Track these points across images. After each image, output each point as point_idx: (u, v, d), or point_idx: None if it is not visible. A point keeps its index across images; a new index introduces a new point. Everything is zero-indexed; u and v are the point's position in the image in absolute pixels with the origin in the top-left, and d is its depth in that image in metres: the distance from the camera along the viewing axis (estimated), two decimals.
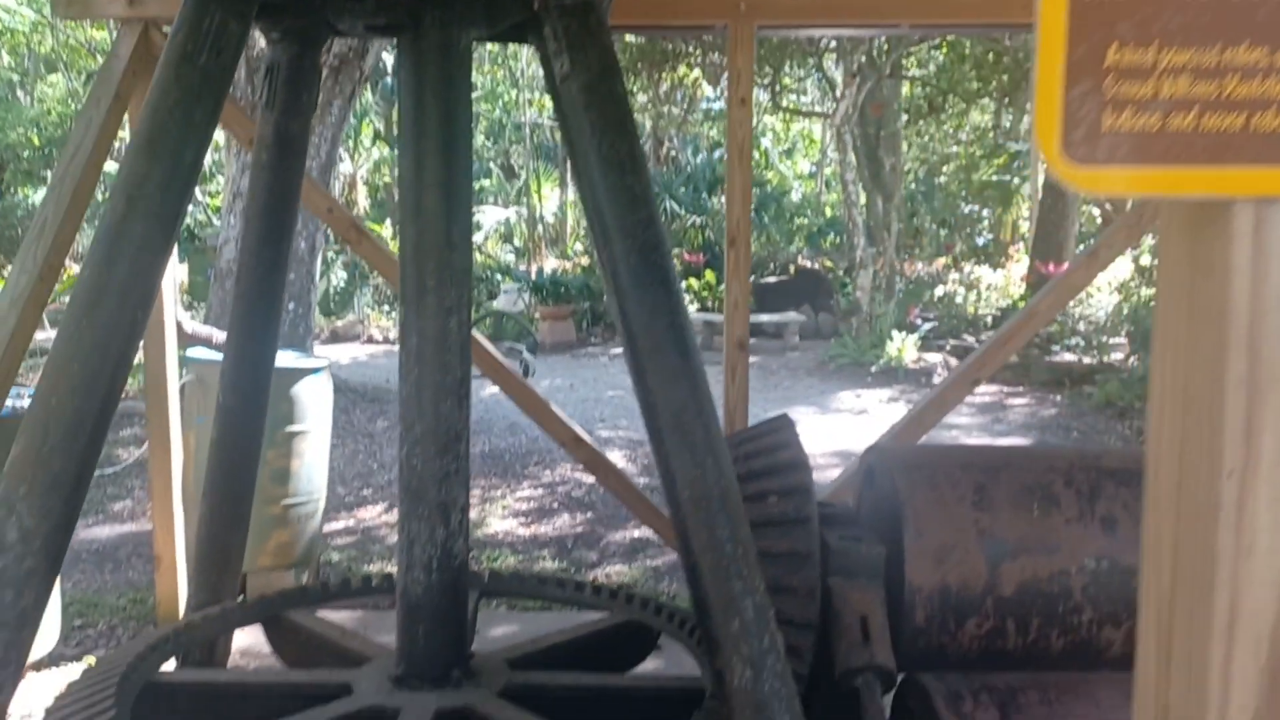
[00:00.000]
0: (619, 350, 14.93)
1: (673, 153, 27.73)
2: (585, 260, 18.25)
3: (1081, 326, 12.99)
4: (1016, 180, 20.32)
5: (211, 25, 2.16)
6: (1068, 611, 2.50)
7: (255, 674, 3.11)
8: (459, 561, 2.67)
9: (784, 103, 18.36)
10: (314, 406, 5.28)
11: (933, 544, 2.50)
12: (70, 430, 2.00)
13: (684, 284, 18.35)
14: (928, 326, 13.06)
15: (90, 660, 4.23)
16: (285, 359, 5.22)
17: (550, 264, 19.99)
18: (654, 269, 2.13)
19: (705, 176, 25.01)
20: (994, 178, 20.66)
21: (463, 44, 2.53)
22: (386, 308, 16.78)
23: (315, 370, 5.34)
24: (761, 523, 2.46)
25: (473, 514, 6.94)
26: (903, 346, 12.56)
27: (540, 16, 2.30)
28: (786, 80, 16.79)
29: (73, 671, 4.07)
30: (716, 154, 24.92)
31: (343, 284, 19.07)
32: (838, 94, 14.31)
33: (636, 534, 6.62)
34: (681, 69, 14.93)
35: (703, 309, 17.22)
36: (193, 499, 4.78)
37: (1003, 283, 16.24)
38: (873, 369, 12.53)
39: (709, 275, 18.76)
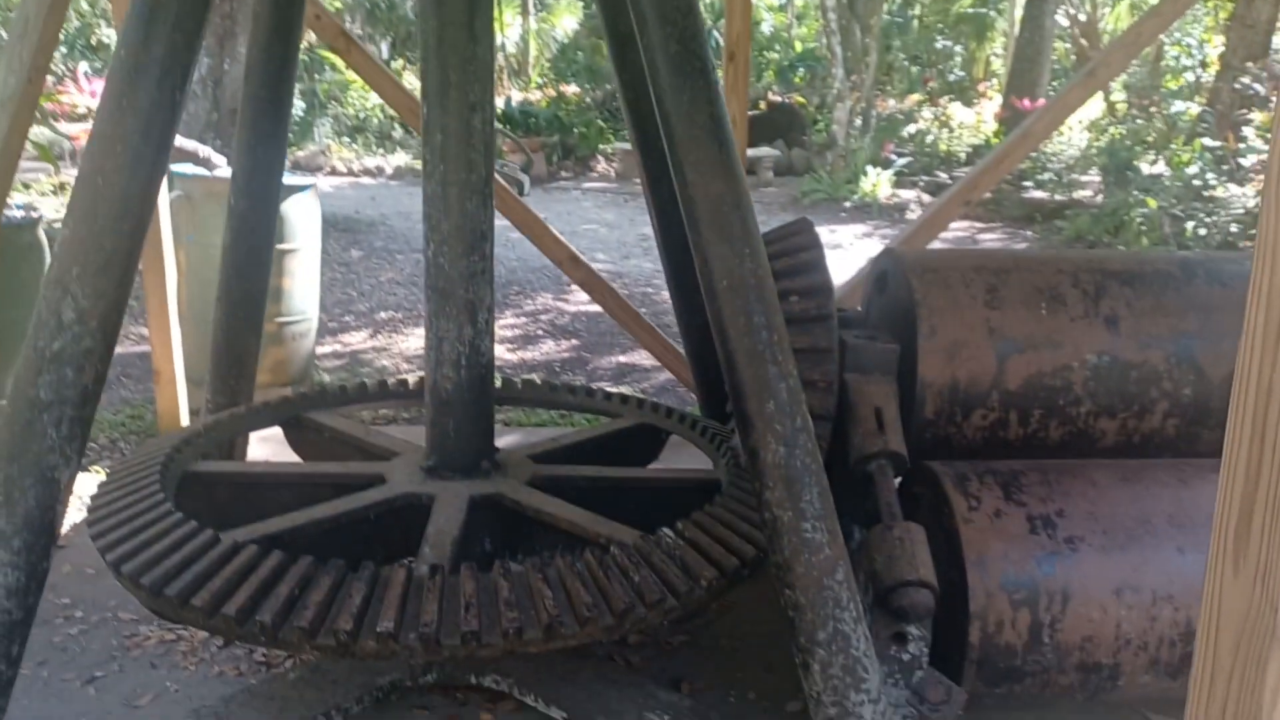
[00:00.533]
0: (592, 184, 14.70)
1: None
2: (552, 92, 17.77)
3: (1053, 164, 13.04)
4: (993, 14, 19.93)
5: None
6: (1068, 404, 2.65)
7: (290, 465, 3.20)
8: (486, 359, 2.74)
9: None
10: (303, 225, 5.26)
11: (945, 341, 2.61)
12: (119, 211, 2.01)
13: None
14: (902, 162, 13.02)
15: (98, 470, 4.32)
16: None
17: (515, 97, 19.45)
18: (694, 58, 2.14)
19: None
20: (970, 10, 20.21)
21: None
22: (347, 139, 16.35)
23: (303, 188, 5.29)
24: (784, 320, 2.54)
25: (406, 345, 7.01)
26: (877, 182, 12.55)
27: None
28: None
29: (84, 482, 4.17)
30: None
31: (301, 114, 18.51)
32: None
33: (623, 359, 6.75)
34: None
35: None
36: (185, 316, 4.81)
37: (975, 120, 16.17)
38: (847, 205, 12.56)
39: None
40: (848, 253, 10.45)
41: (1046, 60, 15.42)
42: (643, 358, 6.51)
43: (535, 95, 18.56)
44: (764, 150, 14.62)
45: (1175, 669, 2.36)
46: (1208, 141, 10.39)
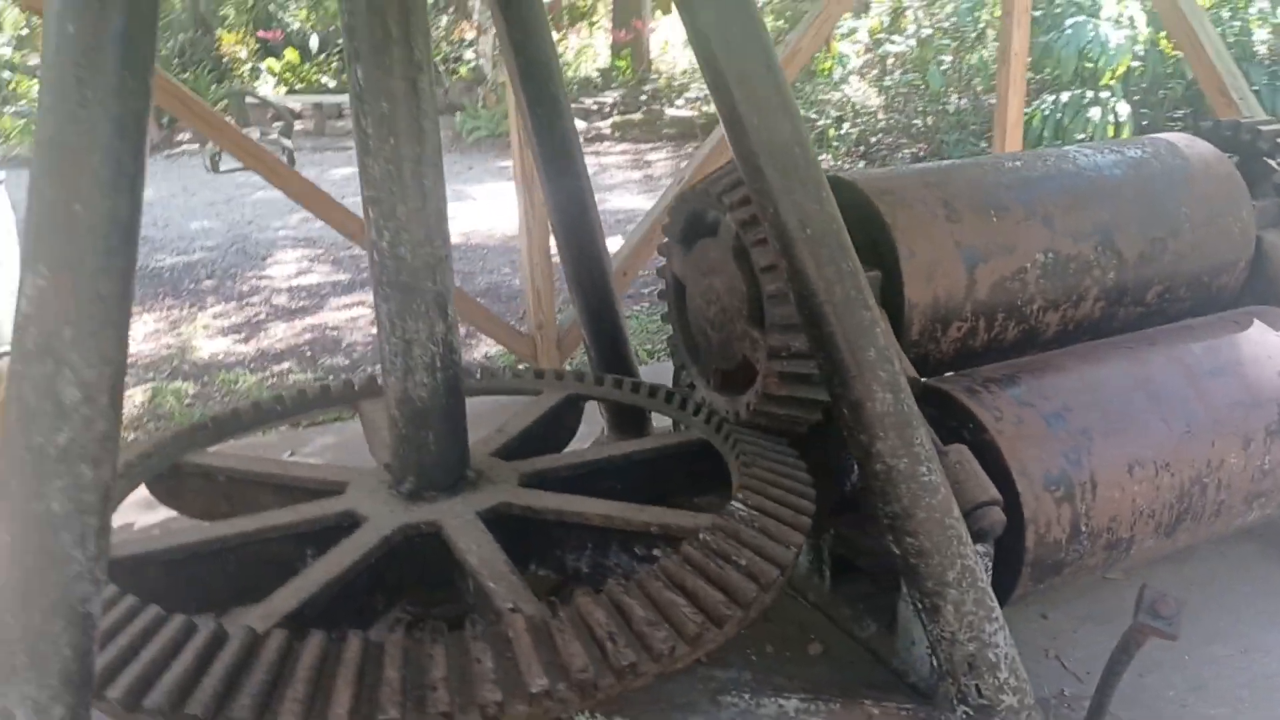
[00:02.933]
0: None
1: None
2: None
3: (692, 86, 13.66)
4: None
5: None
6: (1024, 303, 2.77)
7: (226, 526, 2.55)
8: (457, 356, 2.38)
9: None
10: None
11: (923, 261, 2.62)
12: (108, 243, 1.48)
13: (264, 66, 16.69)
14: None
15: None
16: None
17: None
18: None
19: None
20: None
21: None
22: None
23: None
24: (775, 264, 2.43)
25: (170, 340, 6.15)
26: None
27: None
28: None
29: None
30: None
31: None
32: None
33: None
34: None
35: (290, 92, 15.83)
36: None
37: (590, 46, 16.65)
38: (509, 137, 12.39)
39: (291, 54, 17.22)
40: None
41: None
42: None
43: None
44: None
45: (1171, 527, 2.59)
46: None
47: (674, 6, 1.99)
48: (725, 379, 2.87)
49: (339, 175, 10.29)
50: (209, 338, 6.29)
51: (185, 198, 10.18)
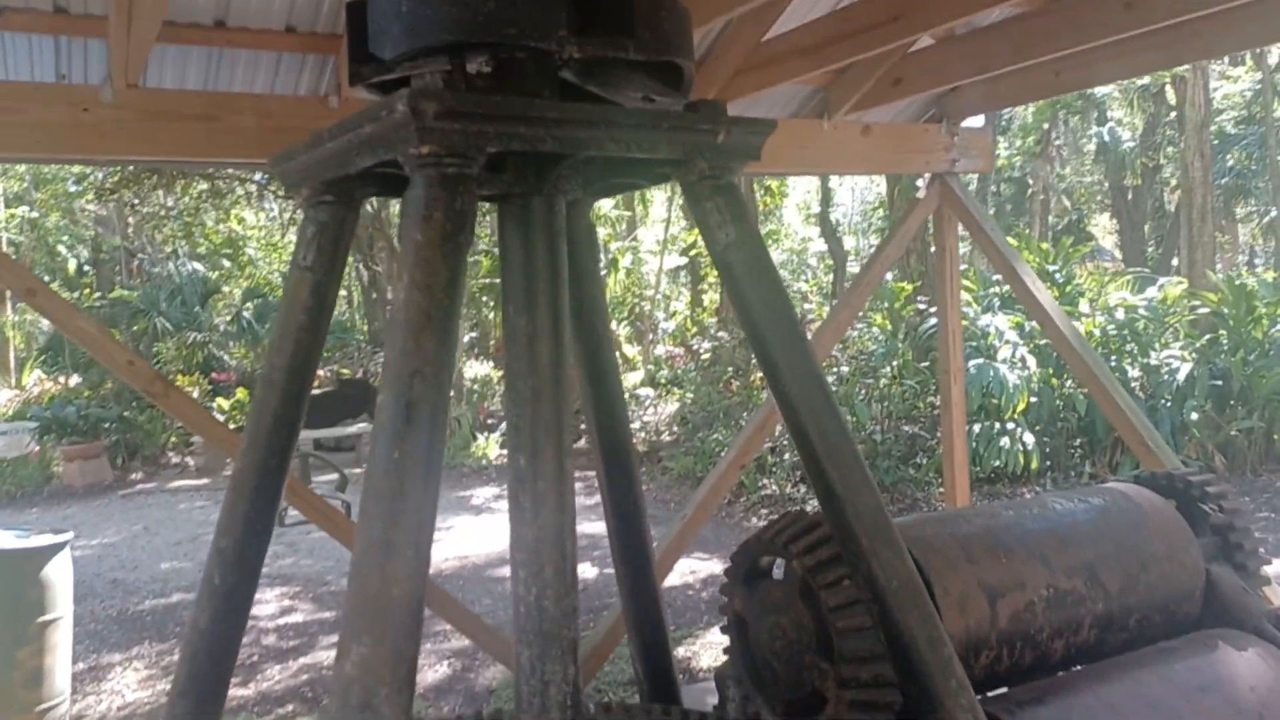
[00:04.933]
0: (180, 483, 13.46)
1: (145, 264, 25.87)
2: (111, 385, 16.27)
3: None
4: None
5: (465, 205, 2.19)
6: (1035, 632, 3.28)
7: None
8: (581, 694, 2.75)
9: None
10: (62, 588, 4.51)
11: (955, 597, 3.13)
12: (413, 616, 1.91)
13: (214, 405, 17.17)
14: (504, 425, 13.76)
15: None
16: (11, 540, 4.41)
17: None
18: (817, 379, 2.58)
19: (198, 289, 23.61)
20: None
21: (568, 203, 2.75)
22: None
23: (59, 546, 4.56)
24: (843, 604, 2.91)
25: (166, 686, 6.17)
26: (487, 445, 13.11)
27: (693, 190, 2.62)
28: None
29: None
30: (197, 266, 23.64)
31: None
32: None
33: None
34: None
35: (241, 430, 16.21)
36: None
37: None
38: (464, 468, 12.92)
39: (241, 393, 17.83)
40: (498, 515, 10.77)
41: None
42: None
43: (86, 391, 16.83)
44: (360, 424, 14.59)
45: None
46: None
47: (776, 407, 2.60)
48: (791, 707, 3.25)
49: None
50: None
51: (148, 538, 10.31)
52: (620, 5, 2.47)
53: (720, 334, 12.79)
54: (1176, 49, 4.63)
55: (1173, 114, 20.46)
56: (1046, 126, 18.82)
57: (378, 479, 2.04)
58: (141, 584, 8.46)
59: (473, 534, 9.97)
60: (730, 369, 12.88)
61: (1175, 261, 21.45)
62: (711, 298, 15.75)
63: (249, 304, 22.00)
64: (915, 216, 5.89)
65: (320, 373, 19.53)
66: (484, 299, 21.98)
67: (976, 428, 10.85)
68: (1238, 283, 12.10)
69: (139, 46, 3.60)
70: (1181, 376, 10.70)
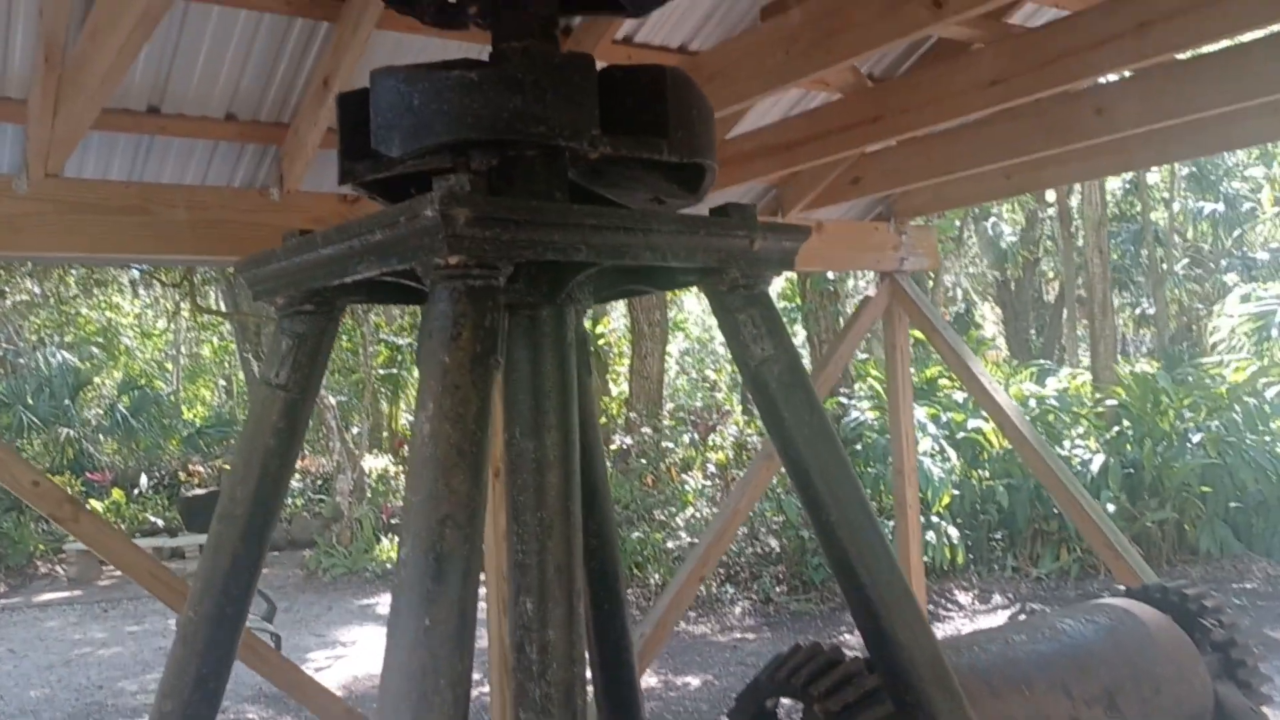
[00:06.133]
0: (49, 595, 12.34)
1: (10, 355, 24.44)
2: None
3: None
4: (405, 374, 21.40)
5: (495, 322, 1.90)
6: None
7: None
8: None
9: None
10: None
11: None
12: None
13: (89, 506, 16.05)
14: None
15: None
16: None
17: None
18: (850, 480, 2.36)
19: (68, 380, 22.34)
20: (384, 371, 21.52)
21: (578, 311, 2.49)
22: None
23: None
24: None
25: None
26: (393, 547, 12.49)
27: (723, 301, 2.39)
28: None
29: None
30: (67, 356, 22.43)
31: None
32: None
33: None
34: None
35: (132, 528, 15.26)
36: None
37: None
38: (367, 574, 12.24)
39: (116, 494, 16.84)
40: None
41: None
42: None
43: None
44: None
45: None
46: None
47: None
48: None
49: None
50: None
51: (15, 660, 9.32)
52: (654, 104, 2.26)
53: (644, 429, 12.51)
54: (1132, 154, 4.68)
55: (1050, 209, 21.45)
56: (959, 224, 19.46)
57: (404, 651, 1.71)
58: (9, 717, 7.58)
59: (381, 649, 9.34)
60: (643, 460, 12.60)
61: (1057, 351, 22.32)
62: (620, 389, 15.52)
63: (124, 396, 20.89)
64: (866, 315, 5.80)
65: (200, 470, 18.54)
66: (382, 390, 21.36)
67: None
68: (1141, 374, 12.49)
69: (68, 133, 3.23)
70: (1095, 468, 10.88)
